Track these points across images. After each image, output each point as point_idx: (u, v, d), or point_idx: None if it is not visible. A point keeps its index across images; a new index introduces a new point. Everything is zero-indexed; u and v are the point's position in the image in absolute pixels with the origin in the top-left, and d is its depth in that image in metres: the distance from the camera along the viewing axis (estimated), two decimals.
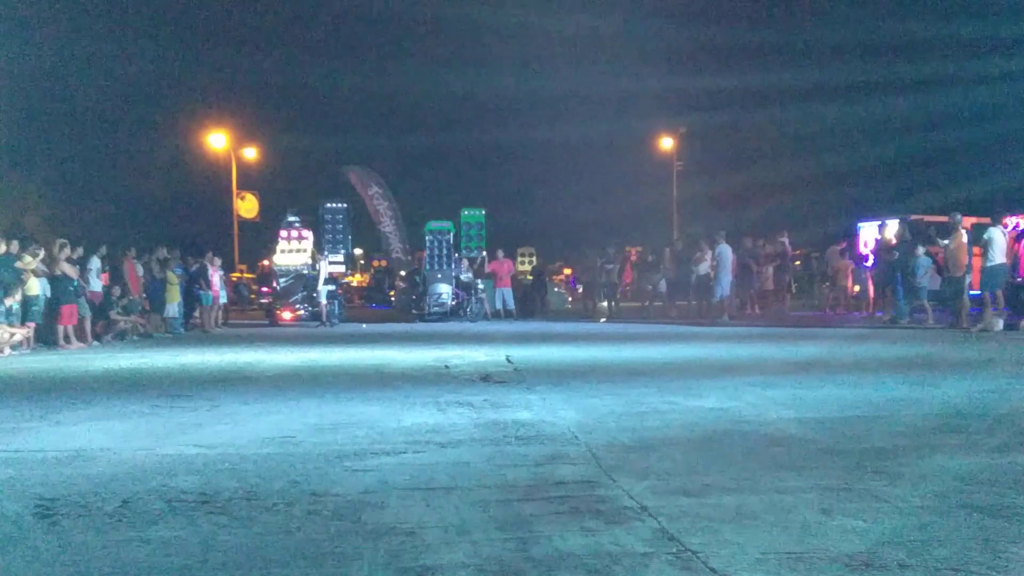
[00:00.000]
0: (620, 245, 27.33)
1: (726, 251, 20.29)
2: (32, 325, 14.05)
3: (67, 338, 14.61)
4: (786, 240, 22.24)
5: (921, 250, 16.86)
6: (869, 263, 20.26)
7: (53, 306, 14.46)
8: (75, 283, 14.86)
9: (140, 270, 18.07)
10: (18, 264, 13.78)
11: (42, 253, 14.48)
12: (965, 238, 15.71)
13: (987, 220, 16.73)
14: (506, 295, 23.79)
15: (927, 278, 16.80)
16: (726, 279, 20.31)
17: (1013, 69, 36.88)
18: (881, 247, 18.56)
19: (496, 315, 23.47)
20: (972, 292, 16.28)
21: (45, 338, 14.54)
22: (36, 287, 14.06)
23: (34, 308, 14.02)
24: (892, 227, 18.42)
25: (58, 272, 14.61)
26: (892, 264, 17.29)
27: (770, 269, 21.71)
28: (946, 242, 15.80)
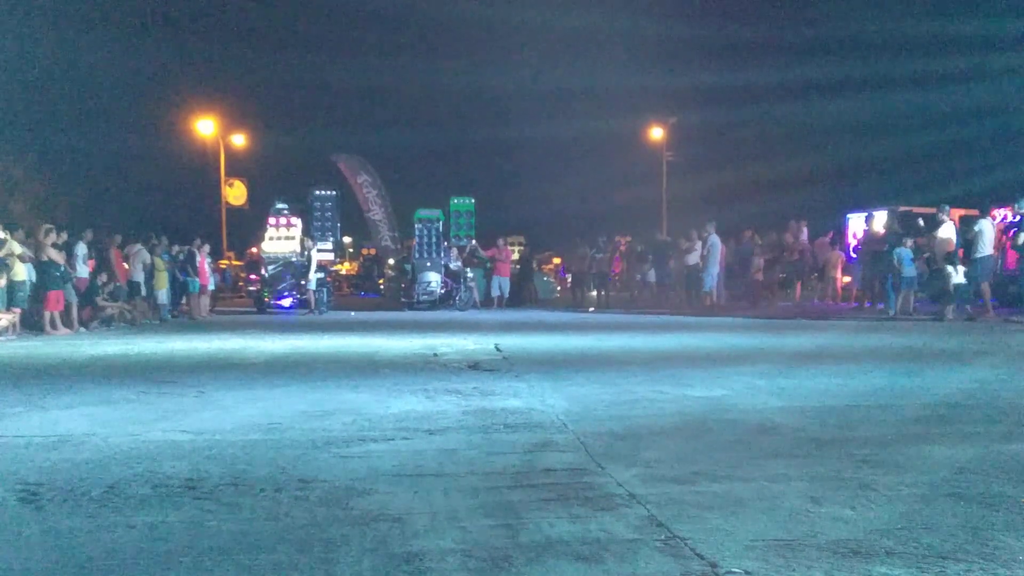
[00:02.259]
0: (610, 235, 27.35)
1: (717, 242, 20.33)
2: (18, 311, 13.96)
3: (53, 324, 14.53)
4: (802, 231, 21.54)
5: (910, 242, 16.91)
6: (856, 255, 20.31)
7: (39, 292, 14.38)
8: (61, 269, 14.77)
9: (148, 257, 17.98)
10: (1, 252, 13.68)
11: (20, 234, 14.37)
12: (953, 230, 15.78)
13: (975, 212, 16.84)
14: (503, 283, 23.83)
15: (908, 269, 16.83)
16: (715, 270, 20.34)
17: (1004, 66, 37.04)
18: (869, 239, 18.62)
19: (487, 304, 23.48)
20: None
21: (31, 324, 14.45)
22: (22, 272, 13.97)
23: (20, 294, 13.93)
24: (880, 218, 18.48)
25: (44, 258, 14.51)
26: (881, 256, 17.33)
27: (760, 261, 21.67)
28: (936, 234, 15.85)
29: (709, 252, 20.23)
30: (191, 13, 67.18)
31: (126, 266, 17.65)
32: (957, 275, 15.36)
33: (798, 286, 21.93)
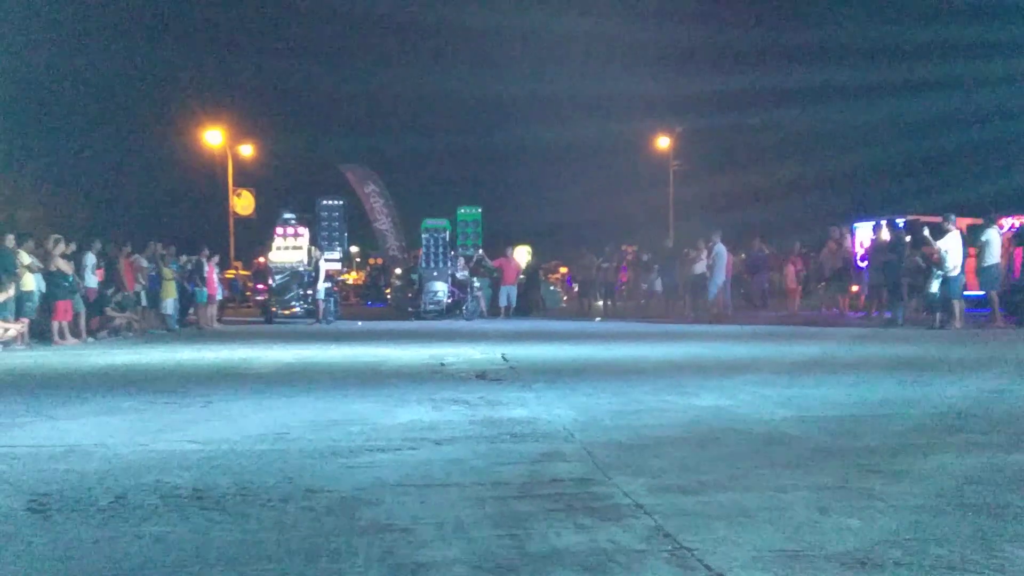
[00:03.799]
0: (617, 244, 27.38)
1: (722, 251, 20.31)
2: (26, 321, 14.01)
3: (61, 334, 14.57)
4: (847, 238, 20.71)
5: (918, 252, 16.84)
6: (864, 264, 20.22)
7: (48, 302, 14.42)
8: (70, 279, 14.82)
9: (145, 264, 18.02)
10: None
11: (29, 244, 14.42)
12: (959, 238, 15.74)
13: (979, 221, 16.83)
14: (511, 293, 23.83)
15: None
16: (720, 278, 20.31)
17: (1008, 73, 36.97)
18: (877, 247, 18.58)
19: (495, 313, 23.47)
20: (967, 293, 16.35)
21: (40, 334, 14.50)
22: (31, 283, 14.03)
23: (28, 304, 13.98)
24: (887, 228, 18.45)
25: (52, 268, 14.57)
26: (889, 265, 17.29)
27: (792, 269, 21.51)
28: (939, 243, 15.79)
29: (715, 261, 20.20)
30: (199, 23, 67.50)
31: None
32: (930, 285, 15.55)
33: (842, 297, 20.90)
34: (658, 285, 23.61)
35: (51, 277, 14.49)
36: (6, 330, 13.37)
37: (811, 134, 47.12)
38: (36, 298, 14.17)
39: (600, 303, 25.45)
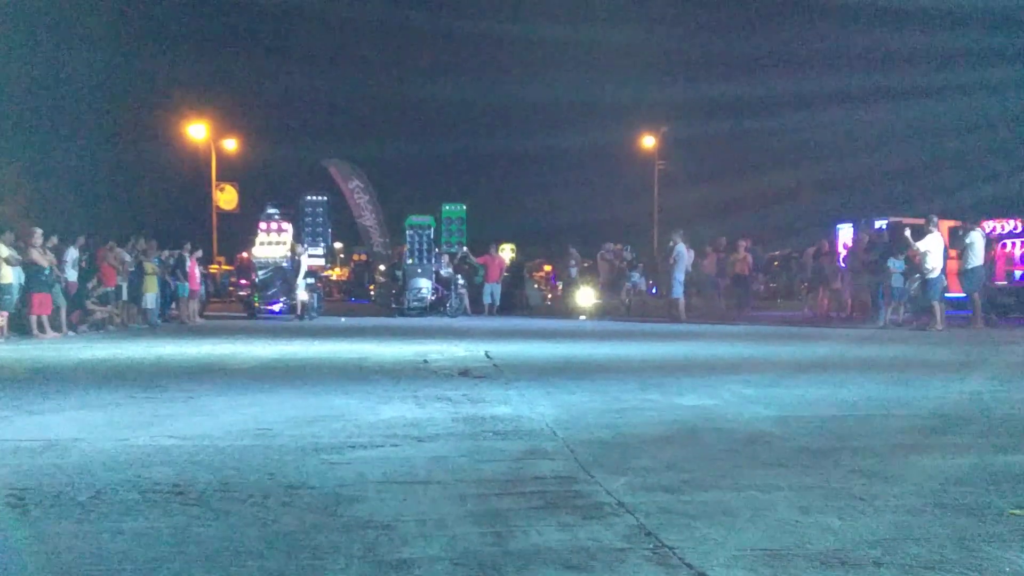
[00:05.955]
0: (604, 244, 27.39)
1: (682, 251, 20.31)
2: (5, 314, 13.88)
3: (42, 327, 14.45)
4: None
5: (902, 254, 16.92)
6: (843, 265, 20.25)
7: (27, 295, 14.29)
8: (46, 272, 14.66)
9: (128, 257, 17.84)
10: None
11: (8, 236, 14.29)
12: (940, 240, 15.83)
13: (958, 224, 16.99)
14: (494, 290, 23.78)
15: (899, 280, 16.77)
16: (681, 276, 20.29)
17: (994, 80, 37.32)
18: (858, 248, 18.67)
19: (479, 311, 23.40)
20: (948, 295, 16.47)
21: (20, 328, 14.37)
22: (9, 275, 13.89)
23: (7, 297, 13.85)
24: (870, 229, 18.56)
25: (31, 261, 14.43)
26: (872, 266, 17.38)
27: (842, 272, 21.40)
28: (919, 244, 15.87)
29: (675, 260, 20.19)
30: (183, 19, 67.14)
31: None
32: (905, 280, 15.75)
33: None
34: (642, 285, 23.64)
35: (30, 270, 14.35)
36: None
37: (797, 139, 47.41)
38: (15, 291, 14.03)
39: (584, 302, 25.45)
